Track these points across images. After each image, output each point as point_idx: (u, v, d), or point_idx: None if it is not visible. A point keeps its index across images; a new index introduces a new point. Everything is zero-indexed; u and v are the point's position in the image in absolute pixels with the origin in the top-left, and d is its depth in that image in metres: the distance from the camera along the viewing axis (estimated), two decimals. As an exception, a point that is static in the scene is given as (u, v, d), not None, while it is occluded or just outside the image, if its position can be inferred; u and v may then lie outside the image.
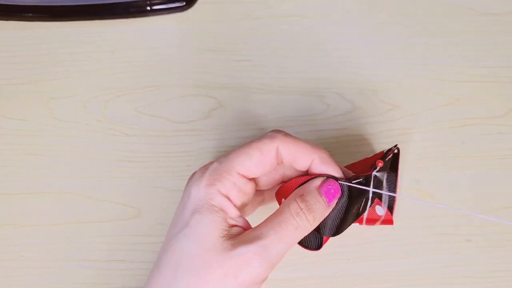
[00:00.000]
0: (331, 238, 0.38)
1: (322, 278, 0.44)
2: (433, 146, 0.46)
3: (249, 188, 0.37)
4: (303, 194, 0.35)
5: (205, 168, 0.37)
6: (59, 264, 0.44)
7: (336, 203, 0.37)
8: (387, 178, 0.40)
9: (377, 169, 0.38)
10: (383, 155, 0.40)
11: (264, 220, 0.35)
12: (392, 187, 0.41)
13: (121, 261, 0.44)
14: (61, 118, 0.47)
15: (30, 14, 0.48)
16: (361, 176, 0.38)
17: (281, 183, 0.39)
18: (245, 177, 0.36)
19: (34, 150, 0.46)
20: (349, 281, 0.43)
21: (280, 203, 0.38)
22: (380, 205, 0.41)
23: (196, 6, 0.49)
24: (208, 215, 0.34)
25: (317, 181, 0.36)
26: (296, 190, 0.36)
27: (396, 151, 0.41)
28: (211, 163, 0.37)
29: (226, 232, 0.34)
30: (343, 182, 0.37)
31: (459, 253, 0.44)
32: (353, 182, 0.37)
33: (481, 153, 0.46)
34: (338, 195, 0.36)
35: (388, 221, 0.42)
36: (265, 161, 0.36)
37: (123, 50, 0.48)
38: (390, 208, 0.42)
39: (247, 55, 0.48)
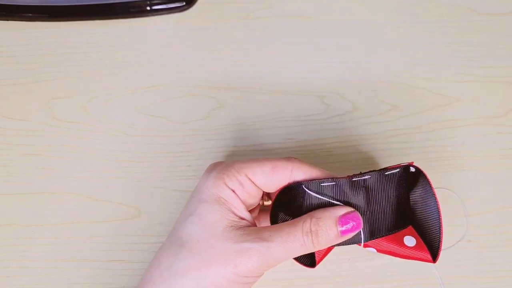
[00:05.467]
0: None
1: (322, 278, 0.44)
2: (433, 146, 0.46)
3: (255, 191, 0.38)
4: (319, 218, 0.35)
5: (218, 163, 0.38)
6: (59, 264, 0.44)
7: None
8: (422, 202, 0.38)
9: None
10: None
11: (276, 225, 0.36)
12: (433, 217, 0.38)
13: (121, 261, 0.44)
14: (61, 118, 0.47)
15: (30, 14, 0.48)
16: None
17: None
18: (252, 181, 0.37)
19: (34, 150, 0.46)
20: (349, 281, 0.43)
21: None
22: (412, 235, 0.39)
23: (196, 6, 0.49)
24: (216, 205, 0.36)
25: (341, 211, 0.36)
26: (317, 210, 0.36)
27: (413, 170, 0.38)
28: (224, 161, 0.39)
29: (234, 223, 0.35)
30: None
31: (459, 253, 0.44)
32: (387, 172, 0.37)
33: (481, 153, 0.46)
34: (356, 231, 0.36)
35: (421, 257, 0.38)
36: (275, 177, 0.37)
37: (123, 50, 0.48)
38: (431, 245, 0.38)
39: (247, 55, 0.48)
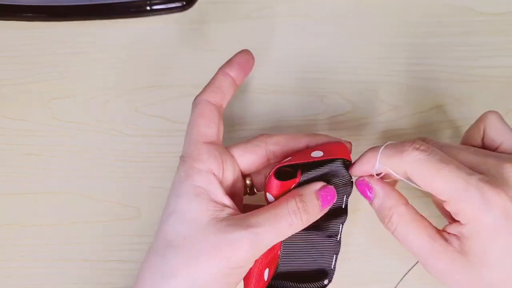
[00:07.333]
0: None
1: (322, 278, 0.44)
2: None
3: (229, 157, 0.38)
4: (302, 194, 0.36)
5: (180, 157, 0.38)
6: (59, 264, 0.44)
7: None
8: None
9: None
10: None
11: (259, 210, 0.35)
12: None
13: (121, 261, 0.44)
14: (61, 118, 0.47)
15: (30, 14, 0.48)
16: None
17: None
18: (211, 143, 0.37)
19: (34, 150, 0.46)
20: (349, 281, 0.43)
21: (266, 198, 0.38)
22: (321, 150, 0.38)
23: (196, 6, 0.49)
24: (194, 198, 0.35)
25: (317, 185, 0.37)
26: (296, 189, 0.37)
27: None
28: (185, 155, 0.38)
29: (217, 214, 0.35)
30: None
31: (459, 253, 0.44)
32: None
33: (481, 153, 0.46)
34: (333, 201, 0.37)
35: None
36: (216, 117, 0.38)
37: (123, 50, 0.48)
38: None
39: (247, 55, 0.48)
